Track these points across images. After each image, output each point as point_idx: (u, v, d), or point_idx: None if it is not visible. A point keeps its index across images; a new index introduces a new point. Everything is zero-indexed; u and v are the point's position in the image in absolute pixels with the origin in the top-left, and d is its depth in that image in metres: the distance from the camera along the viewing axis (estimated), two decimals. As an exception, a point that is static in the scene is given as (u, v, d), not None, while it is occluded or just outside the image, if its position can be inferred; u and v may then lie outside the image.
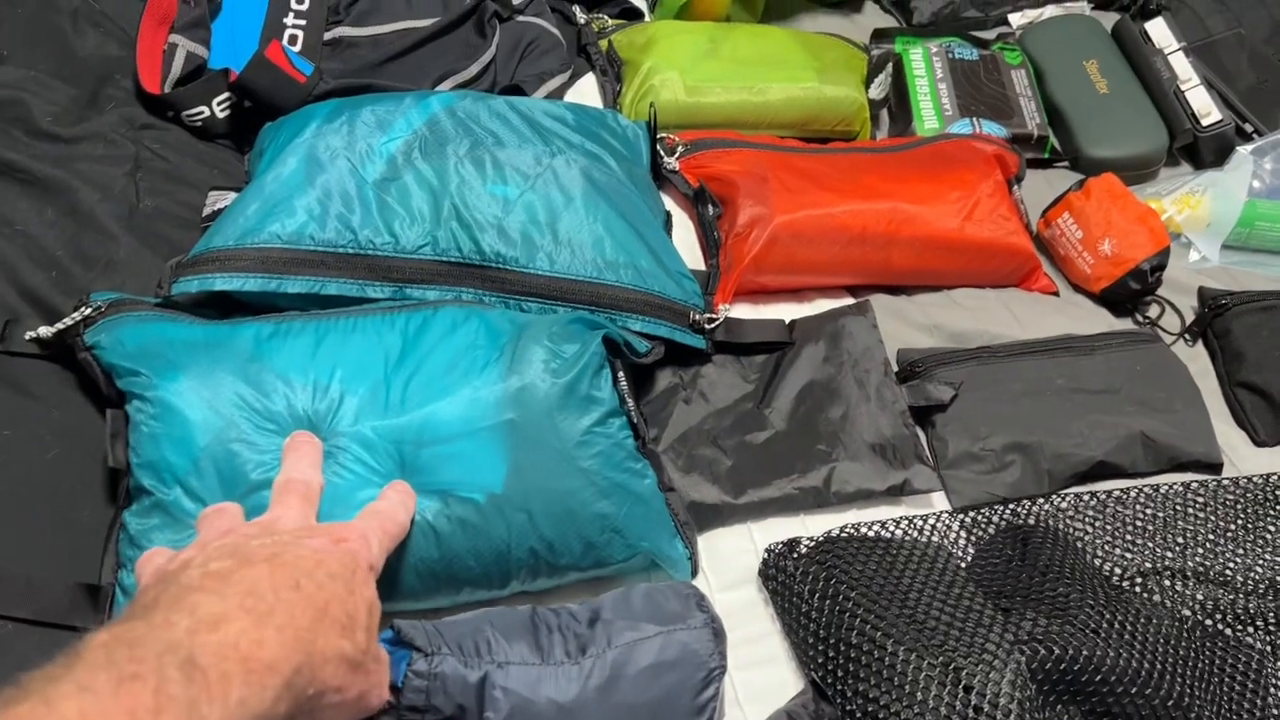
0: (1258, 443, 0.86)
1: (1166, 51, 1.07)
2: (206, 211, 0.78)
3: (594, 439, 0.64)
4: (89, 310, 0.66)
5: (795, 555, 0.69)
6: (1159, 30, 1.08)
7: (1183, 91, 1.04)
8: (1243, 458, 0.84)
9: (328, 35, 0.90)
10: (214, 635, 0.39)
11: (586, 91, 0.98)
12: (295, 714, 0.42)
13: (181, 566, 0.45)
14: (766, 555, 0.70)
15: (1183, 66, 1.05)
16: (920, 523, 0.74)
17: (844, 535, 0.71)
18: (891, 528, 0.74)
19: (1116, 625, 0.65)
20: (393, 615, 0.62)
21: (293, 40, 0.88)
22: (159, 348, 0.63)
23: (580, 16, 1.01)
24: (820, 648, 0.64)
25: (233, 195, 0.77)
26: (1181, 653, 0.66)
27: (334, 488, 0.59)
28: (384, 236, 0.70)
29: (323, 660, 0.43)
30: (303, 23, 0.89)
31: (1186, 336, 0.91)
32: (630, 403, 0.68)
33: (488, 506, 0.60)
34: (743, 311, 0.85)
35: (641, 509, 0.65)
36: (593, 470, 0.63)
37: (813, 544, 0.70)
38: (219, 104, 0.85)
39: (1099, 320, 0.91)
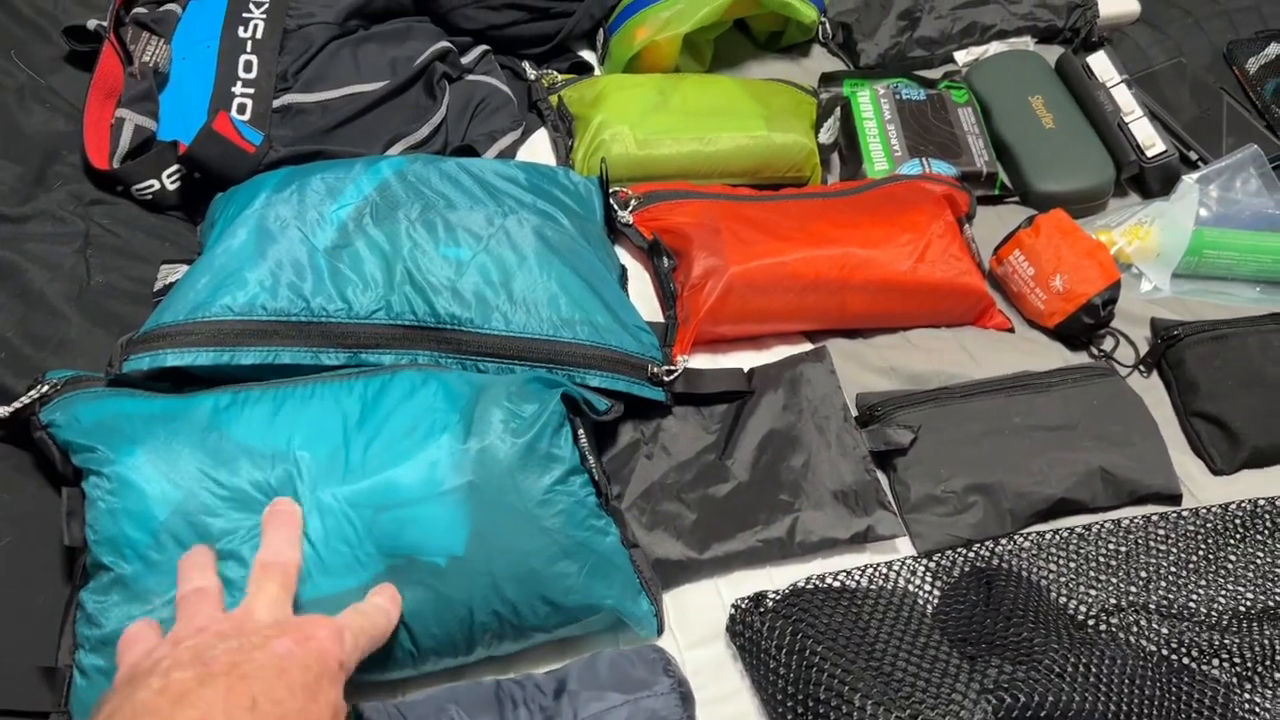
0: (1215, 471, 0.87)
1: (1109, 84, 1.08)
2: (158, 286, 0.77)
3: (556, 498, 0.64)
4: (45, 388, 0.65)
5: (761, 610, 0.69)
6: (1101, 63, 1.10)
7: (1127, 124, 1.06)
8: (1201, 487, 0.85)
9: (276, 102, 0.90)
10: None
11: (539, 147, 0.98)
12: None
13: (148, 671, 0.44)
14: (733, 611, 0.70)
15: (1125, 99, 1.07)
16: (885, 569, 0.74)
17: (809, 587, 0.71)
18: (857, 576, 0.73)
19: (1082, 668, 0.65)
20: (355, 688, 0.62)
21: (241, 109, 0.89)
22: (115, 422, 0.62)
23: (530, 73, 1.02)
24: (789, 704, 0.64)
25: (184, 268, 0.76)
26: (1148, 692, 0.66)
27: (308, 560, 0.58)
28: (337, 303, 0.70)
29: None
30: (251, 91, 0.89)
31: (1141, 368, 0.92)
32: (591, 460, 0.68)
33: (450, 570, 0.60)
34: (702, 361, 0.85)
35: (605, 567, 0.65)
36: (555, 529, 0.63)
37: (778, 598, 0.70)
38: (169, 176, 0.85)
39: (1054, 355, 0.92)
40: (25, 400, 0.65)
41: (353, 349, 0.70)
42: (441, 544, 0.60)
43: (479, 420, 0.64)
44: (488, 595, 0.61)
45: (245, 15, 0.92)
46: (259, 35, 0.91)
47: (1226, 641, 0.73)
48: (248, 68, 0.90)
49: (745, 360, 0.86)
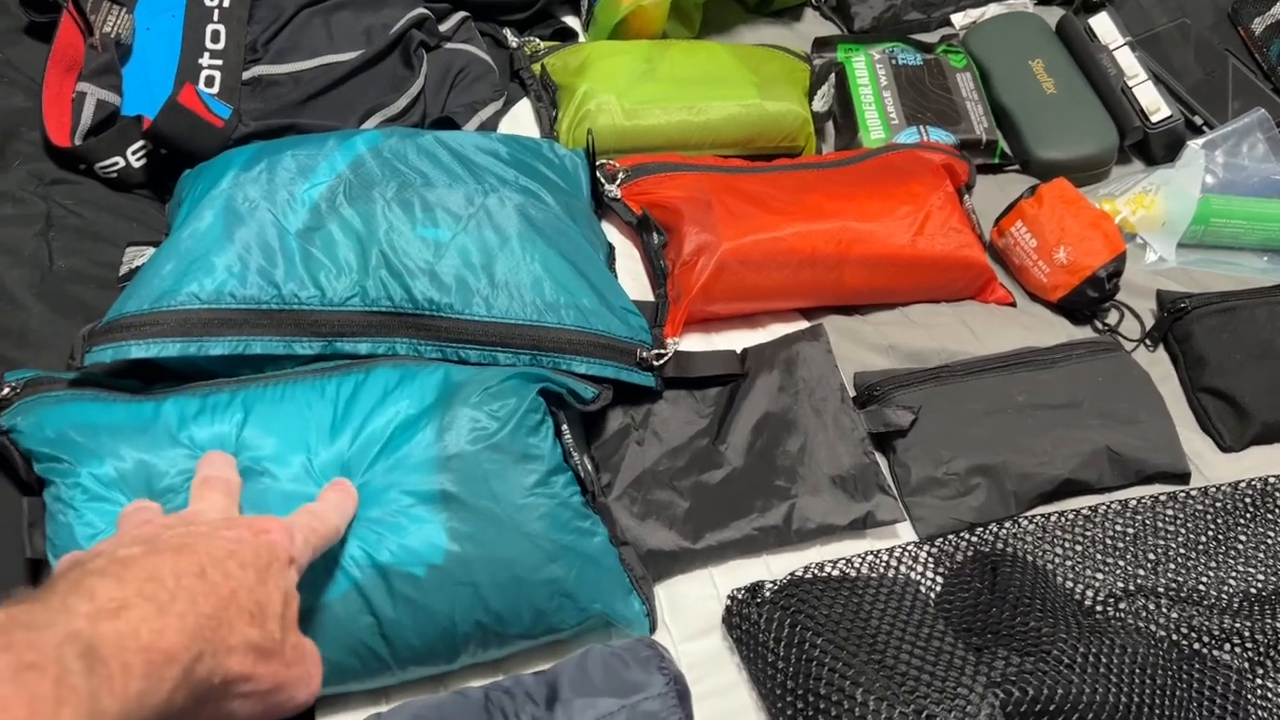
0: (1224, 449, 0.84)
1: (1112, 47, 1.05)
2: (123, 270, 0.74)
3: (537, 500, 0.61)
4: (5, 390, 0.63)
5: (758, 601, 0.67)
6: (1103, 25, 1.06)
7: (1130, 88, 1.03)
8: (1209, 465, 0.82)
9: (246, 75, 0.86)
10: (114, 623, 0.38)
11: (522, 117, 0.94)
12: (200, 703, 0.41)
13: (91, 555, 0.43)
14: (729, 603, 0.68)
15: (1129, 62, 1.04)
16: (886, 556, 0.72)
17: (808, 576, 0.69)
18: (857, 564, 0.71)
19: (1091, 658, 0.63)
20: (336, 698, 0.60)
21: (209, 82, 0.85)
22: (79, 433, 0.59)
23: (512, 40, 0.98)
24: (789, 699, 0.62)
25: (151, 250, 0.73)
26: (1159, 681, 0.64)
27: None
28: (309, 289, 0.67)
29: (227, 649, 0.42)
30: (219, 63, 0.85)
31: (1147, 342, 0.89)
32: (576, 456, 0.66)
33: (428, 581, 0.58)
34: (694, 340, 0.83)
35: (593, 569, 0.63)
36: (538, 534, 0.61)
37: (775, 588, 0.67)
38: (134, 153, 0.81)
39: (1058, 329, 0.89)
40: None
41: (327, 337, 0.67)
42: (419, 554, 0.58)
43: (451, 423, 0.61)
44: (470, 605, 0.59)
45: (212, -19, 0.88)
46: (226, 3, 0.87)
47: (1238, 626, 0.71)
48: (215, 38, 0.86)
49: (739, 339, 0.83)
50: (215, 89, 0.84)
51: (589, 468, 0.70)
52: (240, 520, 0.50)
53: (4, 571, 0.60)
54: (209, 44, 0.86)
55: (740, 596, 0.67)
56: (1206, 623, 0.71)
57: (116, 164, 0.81)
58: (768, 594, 0.67)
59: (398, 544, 0.58)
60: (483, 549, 0.59)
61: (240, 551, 0.45)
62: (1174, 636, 0.70)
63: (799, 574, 0.69)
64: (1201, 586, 0.74)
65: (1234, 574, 0.75)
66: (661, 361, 0.75)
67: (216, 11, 0.87)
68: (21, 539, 0.58)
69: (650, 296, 0.84)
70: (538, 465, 0.62)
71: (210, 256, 0.66)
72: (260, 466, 0.59)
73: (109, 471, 0.58)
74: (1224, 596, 0.73)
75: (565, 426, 0.66)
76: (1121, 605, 0.72)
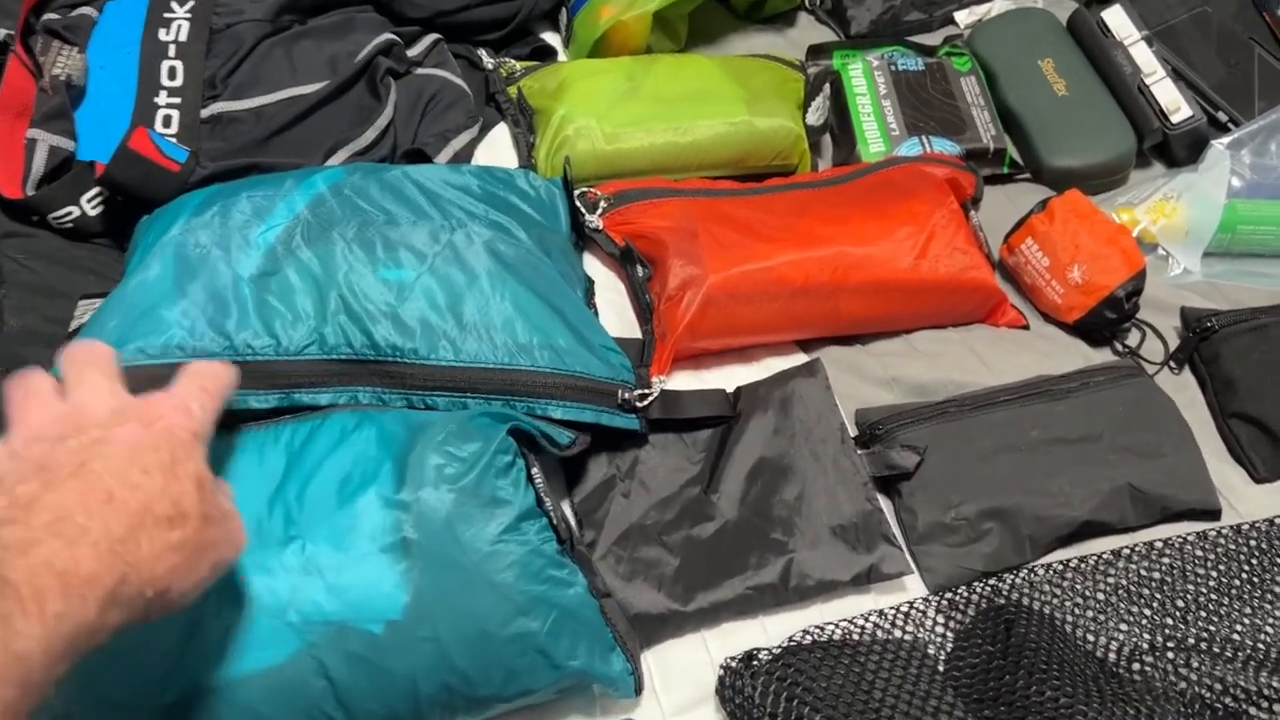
0: (1257, 479, 0.78)
1: (1127, 43, 0.99)
2: (73, 326, 0.70)
3: (506, 548, 0.57)
4: None
5: (751, 672, 0.62)
6: (1117, 19, 1.00)
7: (1148, 86, 0.96)
8: (1242, 498, 0.77)
9: (205, 113, 0.82)
10: (24, 559, 0.38)
11: (500, 144, 0.90)
12: (143, 614, 0.42)
13: None
14: (721, 673, 0.63)
15: (1146, 58, 0.98)
16: (892, 614, 0.67)
17: (806, 642, 0.64)
18: (861, 623, 0.66)
19: (1116, 731, 0.58)
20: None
21: (167, 122, 0.81)
22: None
23: (487, 61, 0.93)
24: (785, 782, 0.57)
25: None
26: (1191, 753, 0.59)
27: (224, 632, 0.53)
28: (264, 339, 0.63)
29: (152, 562, 0.42)
30: (176, 100, 0.81)
31: (1171, 365, 0.84)
32: (549, 501, 0.61)
33: (386, 638, 0.54)
34: (684, 378, 0.78)
35: (570, 623, 0.58)
36: (507, 584, 0.56)
37: (771, 657, 0.63)
38: (89, 201, 0.77)
39: (1074, 353, 0.84)
40: None
41: (285, 389, 0.63)
42: (376, 609, 0.54)
43: (413, 467, 0.58)
44: (434, 664, 0.55)
45: (167, 15, 0.84)
46: (183, 37, 0.83)
47: (1275, 683, 0.65)
48: (172, 74, 0.82)
49: (732, 375, 0.78)
50: (173, 129, 0.80)
51: (565, 513, 0.66)
52: (129, 409, 0.47)
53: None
54: (165, 81, 0.82)
55: (733, 666, 0.63)
56: (1240, 679, 0.65)
57: (71, 213, 0.77)
58: (763, 663, 0.62)
59: (353, 597, 0.54)
60: (446, 601, 0.55)
61: (140, 455, 0.44)
62: (1205, 695, 0.65)
63: (797, 639, 0.64)
64: (1236, 636, 0.68)
65: (1271, 620, 0.69)
66: (646, 402, 0.70)
67: (173, 47, 0.83)
68: None
69: (637, 332, 0.79)
70: (507, 510, 0.58)
71: (158, 310, 0.63)
72: None
73: None
74: (1261, 646, 0.68)
75: (536, 470, 0.62)
76: (1148, 660, 0.66)
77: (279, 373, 0.63)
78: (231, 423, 0.62)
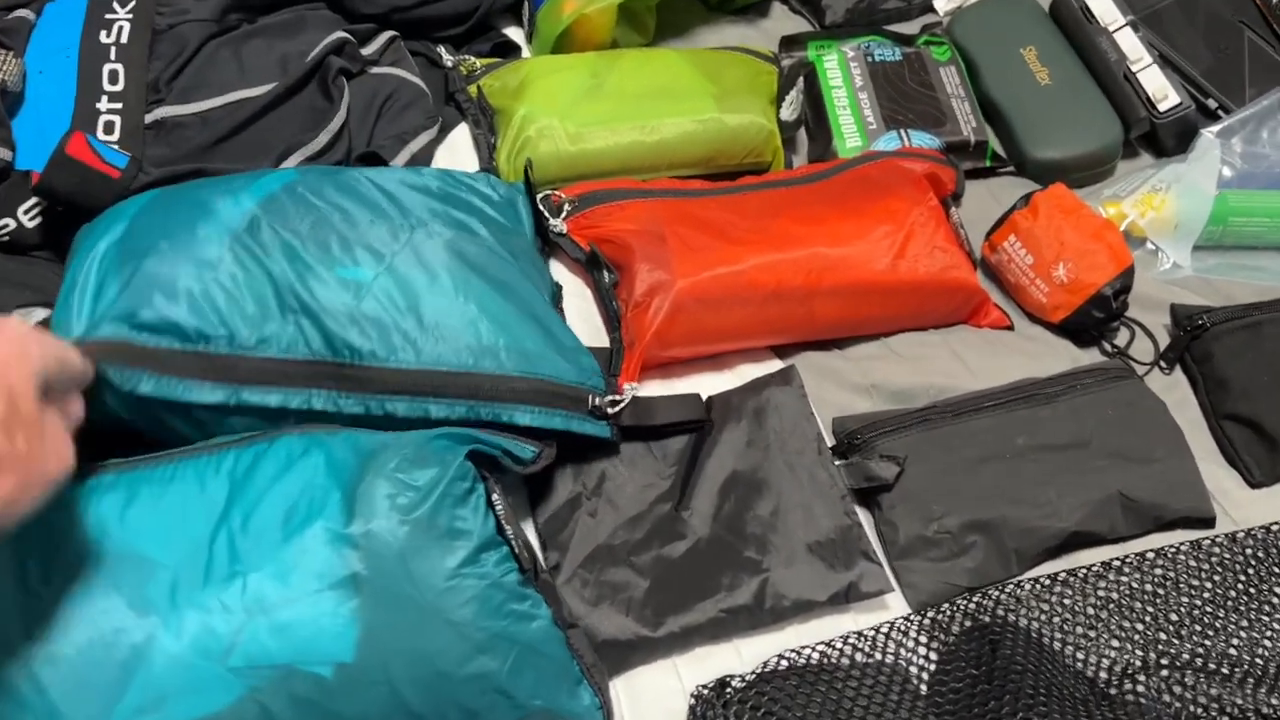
0: (1252, 484, 0.75)
1: (1112, 28, 0.95)
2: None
3: (463, 582, 0.54)
4: None
5: (724, 701, 0.59)
6: (1102, 4, 0.97)
7: (1134, 73, 0.93)
8: (1237, 504, 0.74)
9: (149, 118, 0.78)
10: None
11: (460, 146, 0.86)
12: None
13: None
14: (692, 702, 0.60)
15: (1131, 44, 0.94)
16: (872, 635, 0.64)
17: (781, 667, 0.61)
18: (840, 645, 0.63)
19: (1106, 760, 0.55)
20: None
21: (109, 128, 0.77)
22: None
23: (447, 59, 0.89)
24: (759, 819, 0.54)
25: (39, 311, 0.67)
26: (1187, 781, 0.56)
27: (166, 665, 0.50)
28: (217, 329, 0.59)
29: None
30: (118, 105, 0.77)
31: (1162, 365, 0.80)
32: (511, 528, 0.58)
33: (336, 681, 0.51)
34: (654, 387, 0.75)
35: (532, 659, 0.55)
36: (465, 621, 0.53)
37: (744, 684, 0.59)
38: (26, 213, 0.73)
39: (1060, 353, 0.81)
40: None
41: (233, 384, 0.59)
42: (325, 651, 0.51)
43: (363, 497, 0.54)
44: (387, 709, 0.52)
45: (108, 17, 0.80)
46: (124, 39, 0.79)
47: (1275, 701, 0.62)
48: (113, 78, 0.78)
49: (703, 383, 0.76)
50: (115, 135, 0.76)
51: (528, 537, 0.63)
52: None
53: None
54: (107, 85, 0.78)
55: (705, 695, 0.60)
56: (1237, 697, 0.62)
57: (7, 226, 0.73)
58: (736, 690, 0.59)
59: (299, 638, 0.51)
60: (399, 641, 0.52)
61: None
62: (1200, 715, 0.62)
63: (772, 664, 0.61)
64: (1233, 650, 0.65)
65: (1270, 634, 0.66)
66: (618, 409, 0.67)
67: (114, 49, 0.79)
68: None
69: (605, 340, 0.76)
70: (465, 541, 0.55)
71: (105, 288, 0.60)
72: (145, 554, 0.52)
73: None
74: (1259, 661, 0.65)
75: (497, 495, 0.58)
76: (1140, 679, 0.63)
77: (227, 366, 0.59)
78: (171, 445, 0.59)
